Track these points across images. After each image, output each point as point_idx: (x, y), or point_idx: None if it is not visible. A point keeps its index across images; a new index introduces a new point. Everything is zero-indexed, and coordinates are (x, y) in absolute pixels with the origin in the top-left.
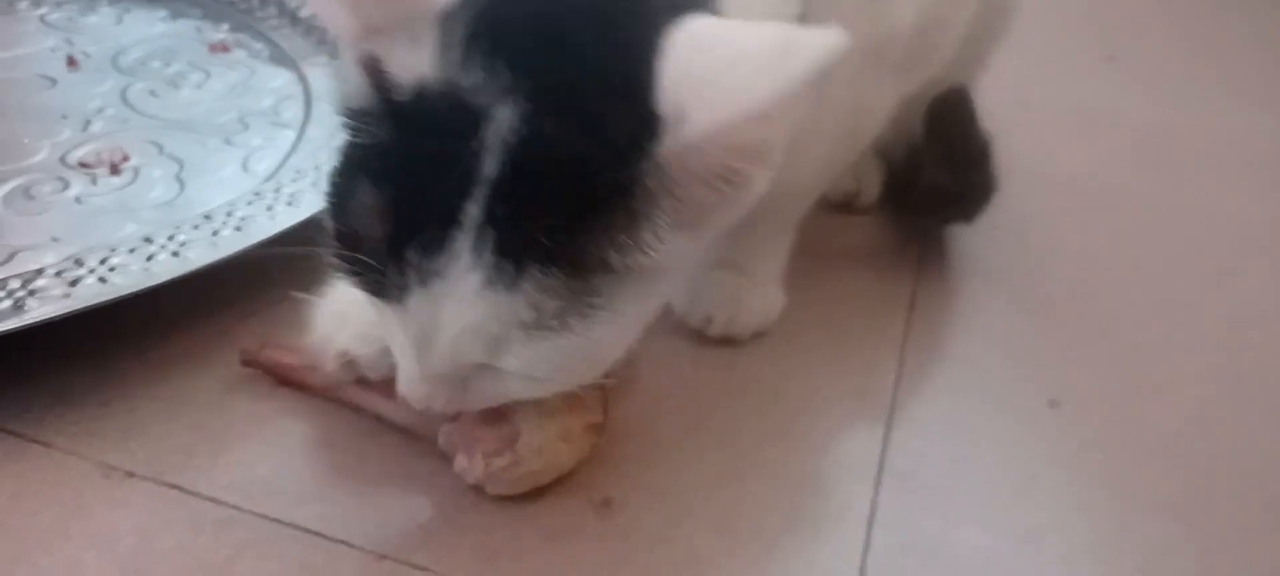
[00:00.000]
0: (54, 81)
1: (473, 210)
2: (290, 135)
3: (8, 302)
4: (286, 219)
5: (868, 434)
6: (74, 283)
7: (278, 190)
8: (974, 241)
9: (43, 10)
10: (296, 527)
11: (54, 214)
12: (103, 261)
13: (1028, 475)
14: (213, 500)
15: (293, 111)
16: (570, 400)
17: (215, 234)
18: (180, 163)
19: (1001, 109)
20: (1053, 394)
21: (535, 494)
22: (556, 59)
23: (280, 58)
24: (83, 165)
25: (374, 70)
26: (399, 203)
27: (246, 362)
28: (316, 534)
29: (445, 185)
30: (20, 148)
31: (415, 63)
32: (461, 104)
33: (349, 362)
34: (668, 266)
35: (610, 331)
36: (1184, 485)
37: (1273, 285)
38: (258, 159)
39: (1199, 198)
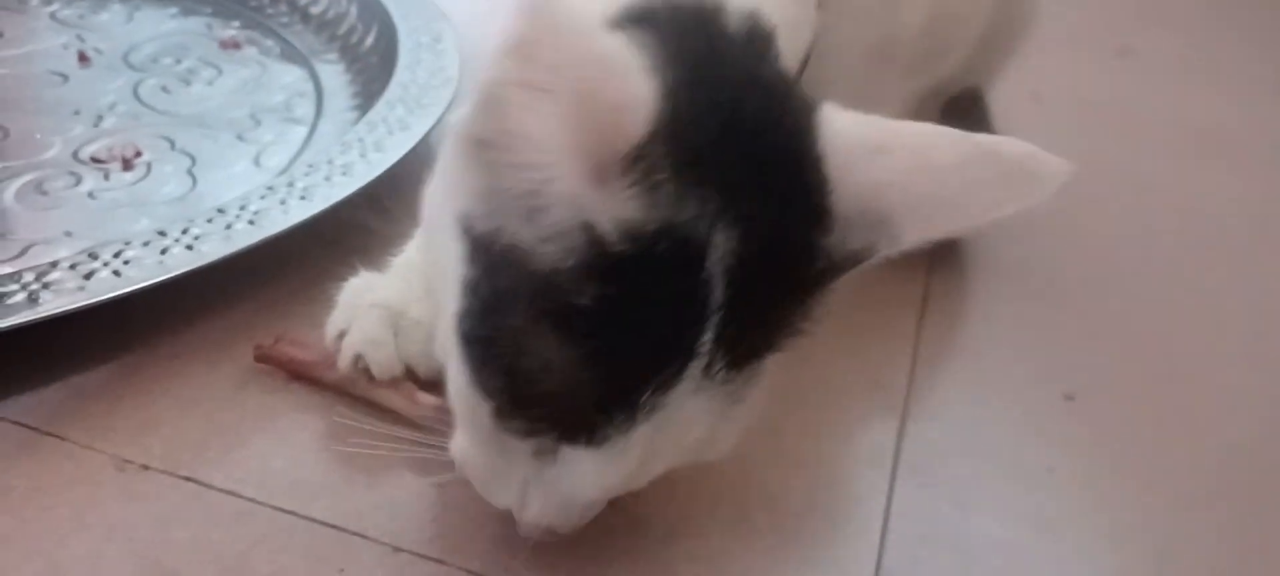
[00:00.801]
0: (66, 77)
1: (707, 338)
2: (302, 131)
3: (21, 296)
4: (300, 212)
5: (883, 426)
6: (88, 276)
7: (290, 184)
8: (986, 236)
9: (53, 7)
10: (312, 520)
11: (67, 209)
12: (117, 255)
13: (1044, 467)
14: (229, 493)
15: (305, 108)
16: None
17: (228, 227)
18: (192, 158)
19: (1014, 102)
20: (1068, 387)
21: None
22: (751, 174)
23: (291, 54)
24: (95, 160)
25: (588, 228)
26: (616, 350)
27: (260, 358)
28: (332, 526)
29: (677, 321)
30: (33, 143)
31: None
32: (684, 239)
33: (362, 366)
34: None
35: (747, 412)
36: (1202, 475)
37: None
38: (270, 154)
39: (1212, 188)
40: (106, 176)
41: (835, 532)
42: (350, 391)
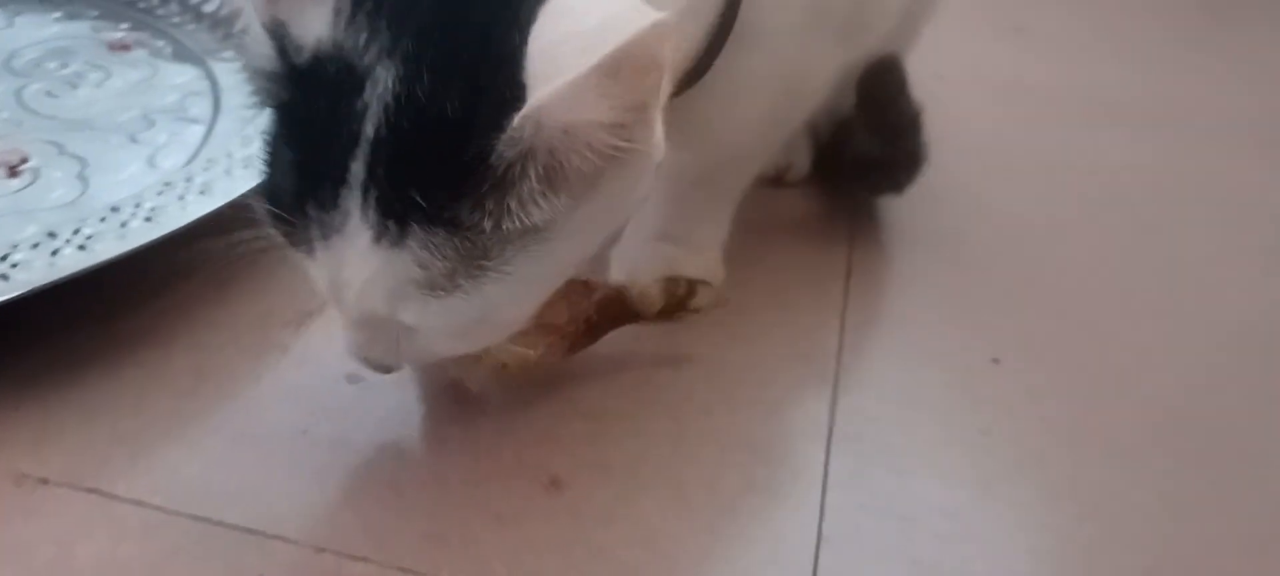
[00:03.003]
0: None
1: (357, 169)
2: (200, 130)
3: None
4: (199, 208)
5: (816, 397)
6: None
7: (189, 180)
8: (903, 209)
9: None
10: (227, 526)
11: None
12: (4, 259)
13: (977, 429)
14: (136, 503)
15: (200, 107)
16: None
17: (123, 226)
18: (83, 161)
19: (920, 81)
20: (994, 351)
21: (482, 475)
22: (438, 25)
23: (184, 54)
24: None
25: (278, 34)
26: (303, 161)
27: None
28: (250, 531)
29: (335, 144)
30: None
31: (314, 26)
32: (349, 65)
33: None
34: (564, 232)
35: (504, 293)
36: (1130, 428)
37: (1186, 227)
38: (165, 155)
39: (1115, 155)
40: None
41: (775, 507)
42: None
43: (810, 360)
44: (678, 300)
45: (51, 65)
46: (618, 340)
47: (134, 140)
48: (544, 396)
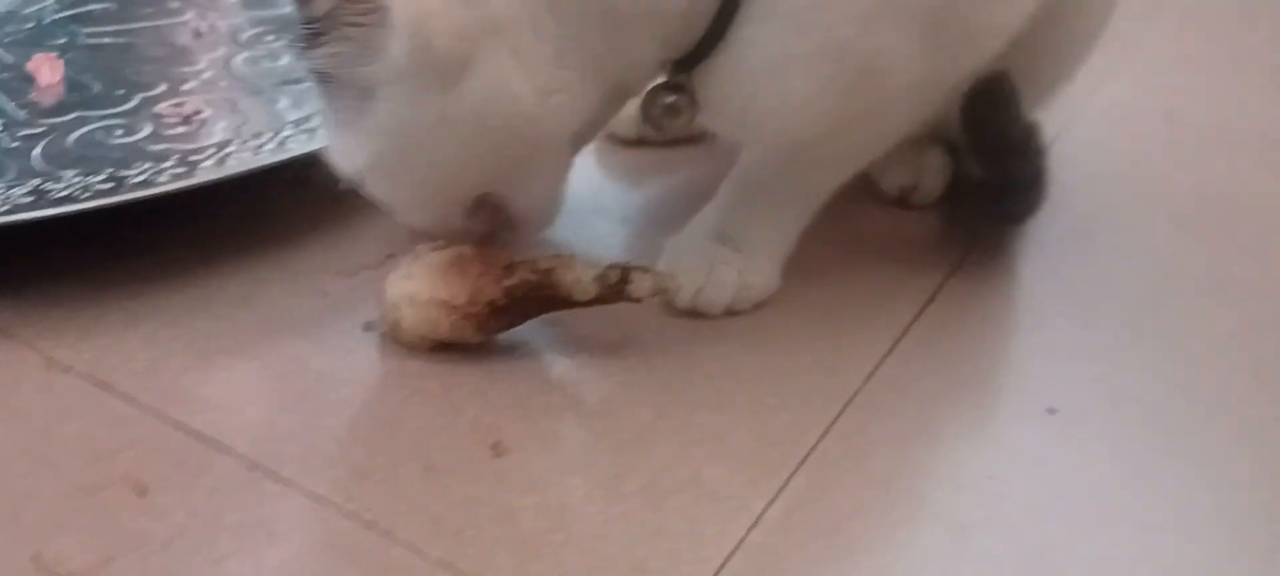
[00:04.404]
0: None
1: None
2: None
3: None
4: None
5: (817, 411)
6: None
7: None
8: (1042, 247)
9: None
10: (185, 430)
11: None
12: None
13: (981, 478)
14: (129, 398)
15: None
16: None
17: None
18: (244, 117)
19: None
20: (1051, 400)
21: (435, 427)
22: None
23: None
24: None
25: None
26: None
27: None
28: (204, 438)
29: None
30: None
31: None
32: None
33: None
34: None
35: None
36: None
37: None
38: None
39: None
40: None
41: (705, 511)
42: None
43: (835, 373)
44: (612, 288)
45: (270, 37)
46: (627, 325)
47: (296, 105)
48: (533, 366)
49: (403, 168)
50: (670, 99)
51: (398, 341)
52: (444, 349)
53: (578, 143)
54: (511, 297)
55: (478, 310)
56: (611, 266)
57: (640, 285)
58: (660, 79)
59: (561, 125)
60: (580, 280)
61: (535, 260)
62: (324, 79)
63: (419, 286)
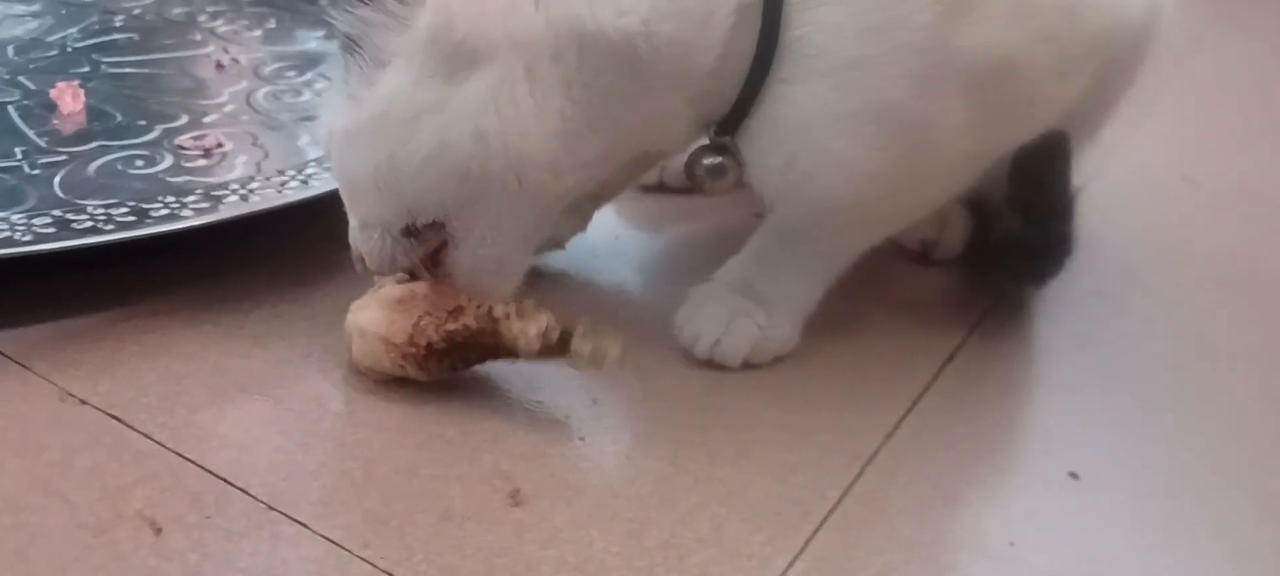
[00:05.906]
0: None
1: None
2: None
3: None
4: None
5: (837, 471)
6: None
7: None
8: (1060, 309)
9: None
10: (203, 469)
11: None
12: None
13: (1002, 543)
14: (144, 435)
15: None
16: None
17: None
18: (264, 151)
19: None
20: (1071, 466)
21: (454, 474)
22: None
23: None
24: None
25: None
26: None
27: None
28: (218, 477)
29: None
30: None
31: None
32: None
33: None
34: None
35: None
36: None
37: None
38: None
39: None
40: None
41: (725, 569)
42: None
43: (854, 434)
44: (551, 347)
45: (291, 73)
46: (651, 373)
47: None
48: (552, 414)
49: (376, 143)
50: (714, 160)
51: (356, 371)
52: (413, 385)
53: (573, 198)
54: (451, 342)
55: (416, 351)
56: (552, 326)
57: (580, 348)
58: (703, 141)
59: (552, 163)
60: (525, 333)
61: (490, 306)
62: (350, 45)
63: (370, 318)
